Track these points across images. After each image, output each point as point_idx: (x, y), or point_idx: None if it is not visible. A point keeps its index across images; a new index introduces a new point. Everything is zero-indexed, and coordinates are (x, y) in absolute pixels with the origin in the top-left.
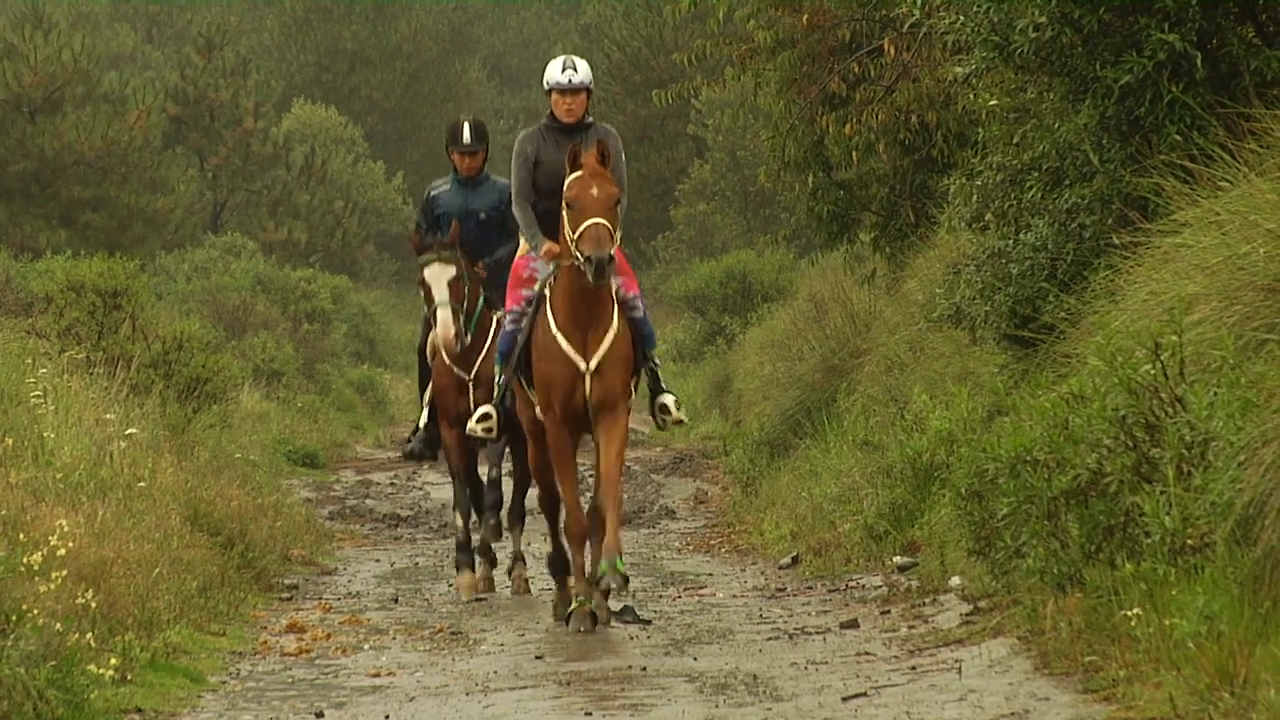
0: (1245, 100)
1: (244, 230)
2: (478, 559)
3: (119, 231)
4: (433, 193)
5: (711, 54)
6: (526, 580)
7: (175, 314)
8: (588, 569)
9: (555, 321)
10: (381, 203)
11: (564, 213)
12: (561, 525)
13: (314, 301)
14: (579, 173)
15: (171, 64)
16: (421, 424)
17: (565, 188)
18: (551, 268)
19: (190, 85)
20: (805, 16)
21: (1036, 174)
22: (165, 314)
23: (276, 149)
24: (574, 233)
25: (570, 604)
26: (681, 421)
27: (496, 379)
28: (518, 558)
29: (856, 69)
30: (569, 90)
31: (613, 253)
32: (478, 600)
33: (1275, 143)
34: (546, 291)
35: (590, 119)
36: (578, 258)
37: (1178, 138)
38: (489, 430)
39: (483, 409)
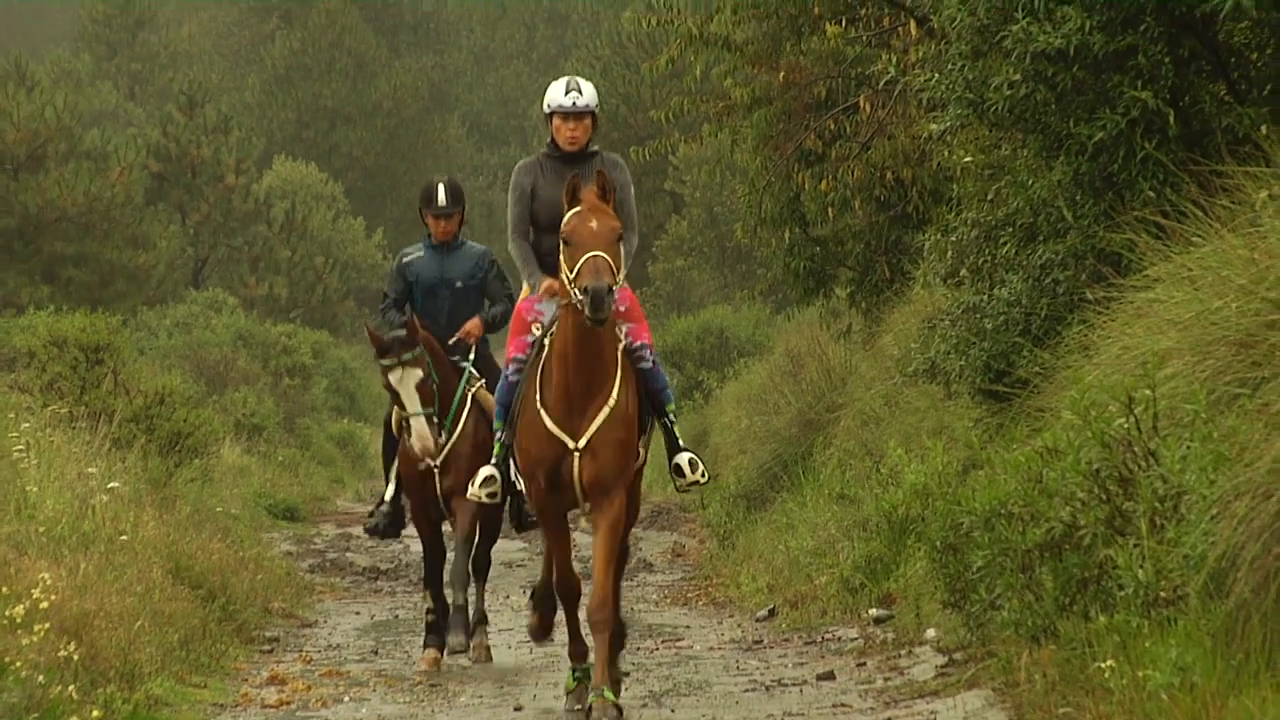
0: (1217, 157)
1: (225, 286)
2: (473, 626)
3: (101, 287)
4: (405, 260)
5: (689, 111)
6: (488, 648)
7: (157, 369)
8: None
9: (541, 395)
10: (362, 258)
11: (561, 251)
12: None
13: (295, 356)
14: (578, 208)
15: (153, 121)
16: (387, 497)
17: (563, 224)
18: (554, 309)
19: (172, 142)
20: (781, 74)
21: (1011, 230)
22: (147, 369)
23: (257, 205)
24: (571, 270)
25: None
26: (699, 484)
27: (496, 437)
28: (480, 619)
29: (832, 126)
30: (572, 114)
31: (613, 285)
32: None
33: (1247, 199)
34: (546, 342)
35: (595, 147)
36: (574, 295)
37: (1150, 194)
38: (493, 496)
39: (485, 471)
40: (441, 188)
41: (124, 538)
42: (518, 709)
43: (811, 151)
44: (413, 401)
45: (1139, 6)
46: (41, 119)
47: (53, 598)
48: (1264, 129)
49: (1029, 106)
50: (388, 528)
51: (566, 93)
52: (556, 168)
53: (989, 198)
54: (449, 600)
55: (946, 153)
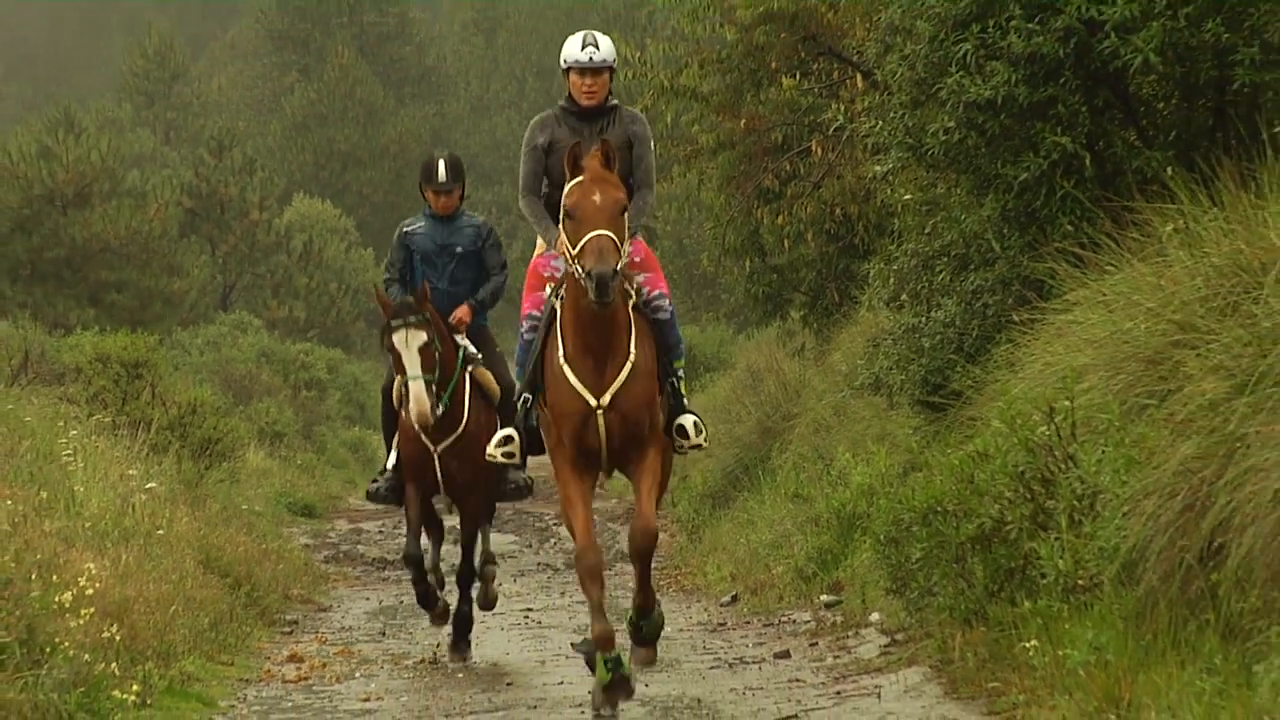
0: (1128, 195)
1: (250, 309)
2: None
3: (140, 310)
4: (406, 229)
5: (661, 154)
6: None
7: (189, 383)
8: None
9: (564, 348)
10: (371, 285)
11: (563, 223)
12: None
13: (311, 371)
14: (579, 178)
15: (187, 163)
16: (389, 466)
17: (564, 194)
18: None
19: (203, 182)
20: (743, 121)
21: (946, 259)
22: (181, 383)
23: (278, 238)
24: (574, 246)
25: (594, 654)
26: (700, 447)
27: (516, 396)
28: (487, 561)
29: (788, 167)
30: (589, 69)
31: (617, 267)
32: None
33: (1154, 232)
34: (557, 303)
35: (614, 101)
36: (578, 273)
37: (1069, 228)
38: (510, 456)
39: (503, 432)
40: (442, 164)
41: (160, 532)
42: (509, 685)
43: (769, 190)
44: (414, 364)
45: (1058, 61)
46: (88, 161)
47: (97, 585)
48: (1169, 170)
49: (962, 150)
50: (389, 494)
51: (583, 47)
52: (573, 123)
53: (926, 231)
54: (492, 604)
55: (889, 191)
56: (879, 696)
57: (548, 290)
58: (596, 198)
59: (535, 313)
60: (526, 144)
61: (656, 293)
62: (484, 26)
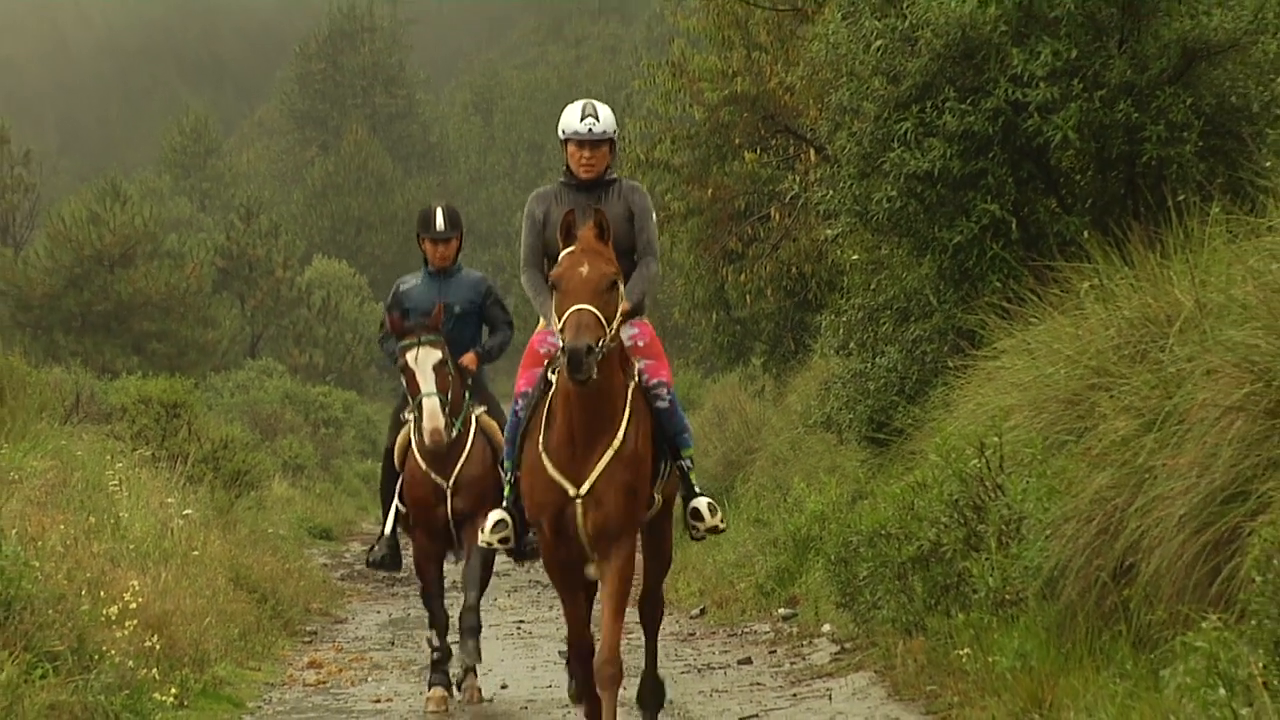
0: (1050, 256)
1: (275, 356)
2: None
3: (178, 357)
4: (402, 288)
5: None
6: (479, 690)
7: (221, 421)
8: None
9: (544, 433)
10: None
11: (551, 294)
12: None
13: (329, 411)
14: (570, 249)
15: (219, 228)
16: (387, 530)
17: (555, 266)
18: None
19: (233, 244)
20: (710, 190)
21: (889, 312)
22: (214, 421)
23: (300, 293)
24: (559, 320)
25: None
26: (718, 529)
27: (506, 478)
28: (468, 670)
29: (750, 231)
30: (588, 141)
31: (595, 344)
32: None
33: (1073, 289)
34: (553, 378)
35: (613, 174)
36: (559, 346)
37: (998, 284)
38: (505, 541)
39: (495, 515)
40: (440, 212)
41: (195, 553)
42: (503, 687)
43: (733, 251)
44: (428, 381)
45: (988, 138)
46: (132, 226)
47: (140, 600)
48: (1086, 234)
49: (903, 216)
50: (389, 559)
51: (583, 118)
52: (572, 196)
53: (871, 287)
54: (480, 656)
55: (838, 252)
56: (830, 698)
57: (547, 369)
58: (584, 269)
59: (530, 390)
60: (526, 217)
61: (656, 380)
62: (481, 107)
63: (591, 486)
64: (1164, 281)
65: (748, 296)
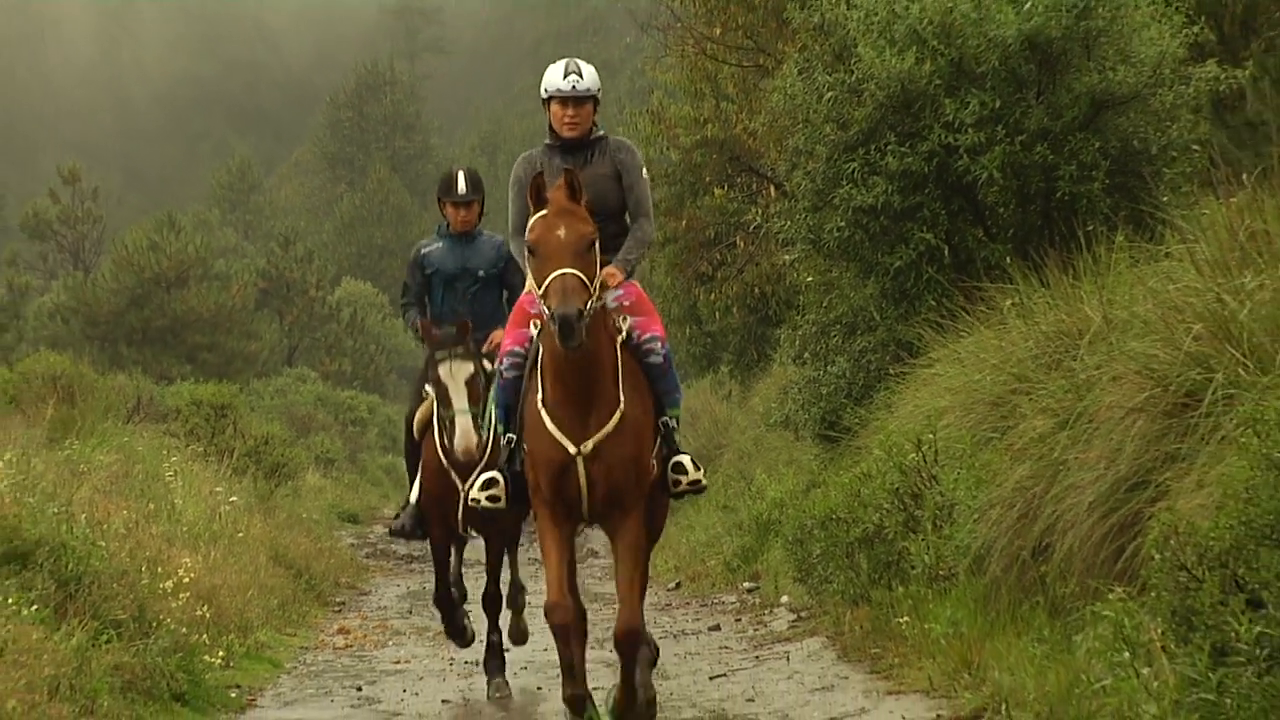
0: (977, 277)
1: (309, 364)
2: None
3: (225, 365)
4: (423, 251)
5: None
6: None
7: (262, 421)
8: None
9: (543, 392)
10: (401, 346)
11: (527, 260)
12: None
13: (356, 412)
14: (543, 212)
15: (260, 254)
16: (411, 499)
17: (528, 229)
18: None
19: (273, 268)
20: (684, 222)
21: (839, 326)
22: (256, 421)
23: (331, 310)
24: (540, 286)
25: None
26: (699, 483)
27: (501, 438)
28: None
29: (719, 257)
30: (571, 98)
31: (584, 308)
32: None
33: (997, 306)
34: (540, 341)
35: (600, 131)
36: (545, 313)
37: (933, 303)
38: (494, 500)
39: (487, 474)
40: (462, 176)
41: (240, 535)
42: (505, 650)
43: (704, 274)
44: (460, 397)
45: (924, 176)
46: (185, 253)
47: (192, 575)
48: (1008, 259)
49: (851, 244)
50: (413, 529)
51: (565, 75)
52: (560, 157)
53: (824, 305)
54: (525, 638)
55: (795, 275)
56: (788, 659)
57: (533, 327)
58: (561, 232)
59: (519, 349)
60: (513, 182)
61: (649, 335)
62: (486, 149)
63: (595, 449)
64: (1076, 300)
65: (717, 313)
